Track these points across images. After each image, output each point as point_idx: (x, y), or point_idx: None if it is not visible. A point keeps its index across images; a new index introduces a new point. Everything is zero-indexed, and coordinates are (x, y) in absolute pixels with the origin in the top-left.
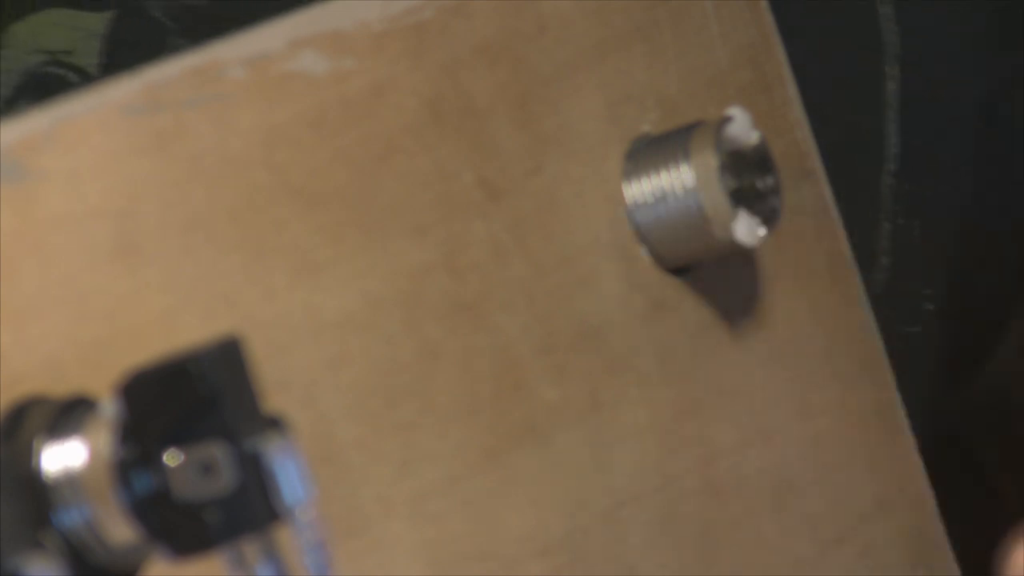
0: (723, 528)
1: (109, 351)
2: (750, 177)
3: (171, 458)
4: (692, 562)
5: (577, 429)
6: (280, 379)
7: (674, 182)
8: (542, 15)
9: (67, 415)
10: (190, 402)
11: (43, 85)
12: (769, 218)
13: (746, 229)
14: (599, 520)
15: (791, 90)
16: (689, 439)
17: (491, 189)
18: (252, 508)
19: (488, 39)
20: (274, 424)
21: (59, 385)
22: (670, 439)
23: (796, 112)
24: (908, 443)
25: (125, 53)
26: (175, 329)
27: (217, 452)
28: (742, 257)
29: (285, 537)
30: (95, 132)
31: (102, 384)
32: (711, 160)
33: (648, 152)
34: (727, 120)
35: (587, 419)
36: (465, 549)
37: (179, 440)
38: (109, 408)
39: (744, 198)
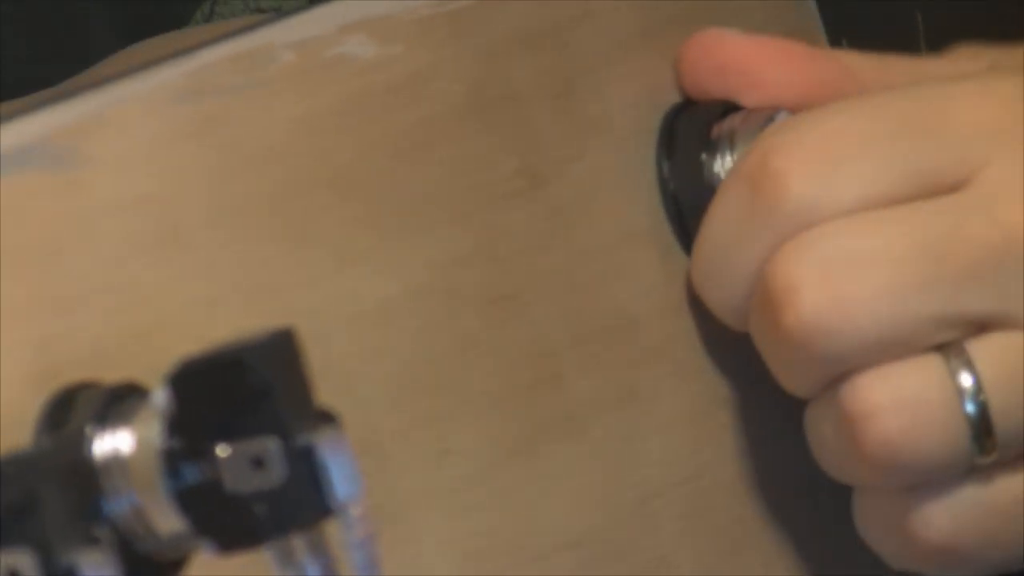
0: (755, 520)
1: (151, 339)
2: None
3: (221, 450)
4: (724, 553)
5: (612, 420)
6: (319, 368)
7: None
8: (586, 1)
9: (117, 403)
10: (242, 394)
11: None
12: None
13: None
14: (632, 511)
15: None
16: (723, 430)
17: (532, 177)
18: (302, 503)
19: (531, 25)
20: (326, 418)
21: (103, 373)
22: (704, 430)
23: None
24: None
25: None
26: (216, 318)
27: (269, 446)
28: None
29: (331, 532)
30: (142, 118)
31: (145, 372)
32: None
33: None
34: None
35: (622, 410)
36: (499, 539)
37: (230, 433)
38: (160, 397)
39: None
